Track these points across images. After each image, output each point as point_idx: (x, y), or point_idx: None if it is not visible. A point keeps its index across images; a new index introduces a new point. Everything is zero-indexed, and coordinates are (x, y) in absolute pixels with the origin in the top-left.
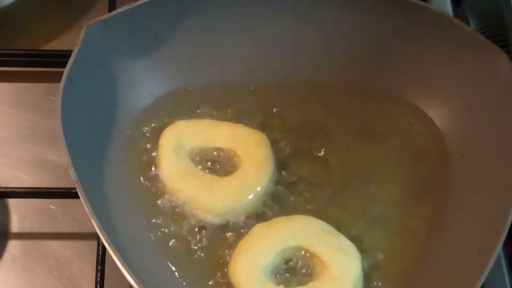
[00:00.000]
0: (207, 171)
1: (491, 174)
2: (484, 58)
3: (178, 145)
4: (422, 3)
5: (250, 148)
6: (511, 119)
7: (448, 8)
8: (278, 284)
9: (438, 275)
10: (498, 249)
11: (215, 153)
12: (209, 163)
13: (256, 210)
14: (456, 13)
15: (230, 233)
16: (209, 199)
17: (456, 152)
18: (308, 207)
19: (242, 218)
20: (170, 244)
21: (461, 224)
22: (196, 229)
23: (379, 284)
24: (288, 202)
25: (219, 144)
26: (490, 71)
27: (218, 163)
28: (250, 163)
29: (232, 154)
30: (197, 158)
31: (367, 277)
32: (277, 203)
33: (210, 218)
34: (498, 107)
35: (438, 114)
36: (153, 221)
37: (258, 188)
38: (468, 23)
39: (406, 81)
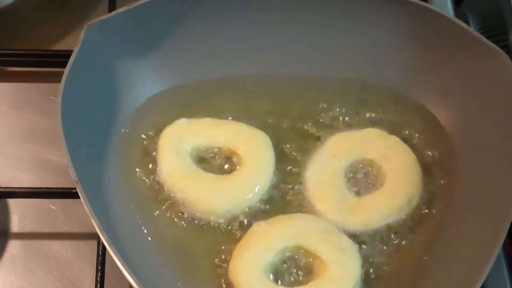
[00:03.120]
0: (208, 170)
1: (492, 173)
2: (484, 58)
3: (179, 144)
4: (422, 3)
5: (251, 147)
6: (511, 118)
7: (448, 8)
8: (278, 283)
9: (438, 275)
10: (498, 249)
11: (216, 152)
12: (210, 162)
13: (256, 209)
14: (456, 13)
15: (230, 232)
16: (210, 198)
17: (457, 151)
18: (309, 206)
19: (243, 217)
20: (170, 244)
21: (461, 224)
22: (197, 229)
23: (379, 284)
24: (288, 201)
25: (220, 143)
26: (490, 71)
27: (219, 162)
28: (251, 162)
29: (233, 153)
30: (198, 157)
31: (367, 276)
32: (277, 202)
33: (211, 217)
34: (498, 107)
35: (439, 112)
36: (153, 220)
37: (259, 187)
38: (468, 23)
39: (407, 80)
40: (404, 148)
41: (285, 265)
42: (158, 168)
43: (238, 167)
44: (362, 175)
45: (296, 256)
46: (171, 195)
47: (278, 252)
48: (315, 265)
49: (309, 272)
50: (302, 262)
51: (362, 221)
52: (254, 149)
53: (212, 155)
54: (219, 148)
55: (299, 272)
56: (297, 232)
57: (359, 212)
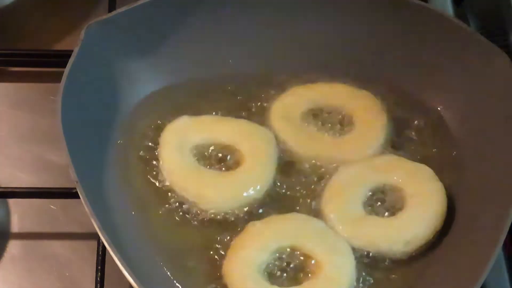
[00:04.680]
0: (210, 167)
1: (492, 173)
2: (484, 58)
3: (181, 142)
4: (422, 3)
5: (254, 144)
6: (511, 118)
7: (448, 8)
8: (272, 284)
9: (438, 275)
10: (498, 249)
11: (218, 149)
12: (212, 159)
13: (259, 206)
14: (456, 13)
15: (232, 231)
16: (212, 195)
17: (458, 151)
18: (310, 204)
19: (245, 214)
20: (170, 243)
21: (461, 224)
22: (198, 227)
23: (375, 284)
24: (291, 199)
25: (222, 140)
26: (490, 71)
27: (221, 159)
28: (253, 159)
29: (235, 149)
30: (200, 155)
31: (363, 275)
32: (280, 200)
33: (213, 215)
34: (498, 107)
35: (441, 111)
36: (153, 220)
37: (261, 184)
38: (468, 23)
39: (407, 80)
40: (432, 179)
41: (279, 265)
42: (160, 166)
43: (241, 164)
44: (381, 199)
45: (290, 256)
46: (172, 194)
47: (272, 252)
48: (310, 265)
49: (303, 272)
50: (296, 262)
51: (369, 241)
52: (256, 145)
53: (214, 152)
54: (221, 145)
55: (294, 272)
56: (292, 232)
57: (369, 231)
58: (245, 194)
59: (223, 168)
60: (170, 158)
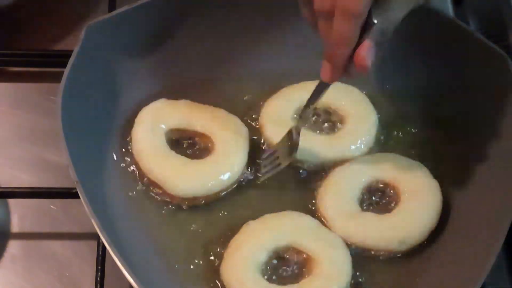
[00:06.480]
0: (181, 153)
1: (492, 174)
2: (484, 58)
3: (155, 124)
4: None
5: (227, 135)
6: (510, 118)
7: (448, 8)
8: (271, 282)
9: (439, 275)
10: (498, 249)
11: (192, 135)
12: (185, 145)
13: (230, 196)
14: (456, 13)
15: (232, 231)
16: (176, 181)
17: (458, 151)
18: (305, 202)
19: (218, 205)
20: (169, 244)
21: (460, 223)
22: (197, 228)
23: (371, 281)
24: (286, 198)
25: (197, 126)
26: (490, 71)
27: (194, 146)
28: (224, 148)
29: (208, 137)
30: (174, 139)
31: (359, 272)
32: (275, 198)
33: (185, 202)
34: (498, 107)
35: (441, 112)
36: (153, 219)
37: (229, 174)
38: (468, 23)
39: (407, 81)
40: (427, 176)
41: (277, 263)
42: (132, 145)
43: (212, 152)
44: (377, 196)
45: (287, 254)
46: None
47: (269, 251)
48: (307, 262)
49: (300, 270)
50: (294, 259)
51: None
52: (229, 137)
53: (188, 137)
54: (195, 132)
55: (292, 269)
56: (287, 230)
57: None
58: (211, 182)
59: (194, 155)
60: (141, 138)
